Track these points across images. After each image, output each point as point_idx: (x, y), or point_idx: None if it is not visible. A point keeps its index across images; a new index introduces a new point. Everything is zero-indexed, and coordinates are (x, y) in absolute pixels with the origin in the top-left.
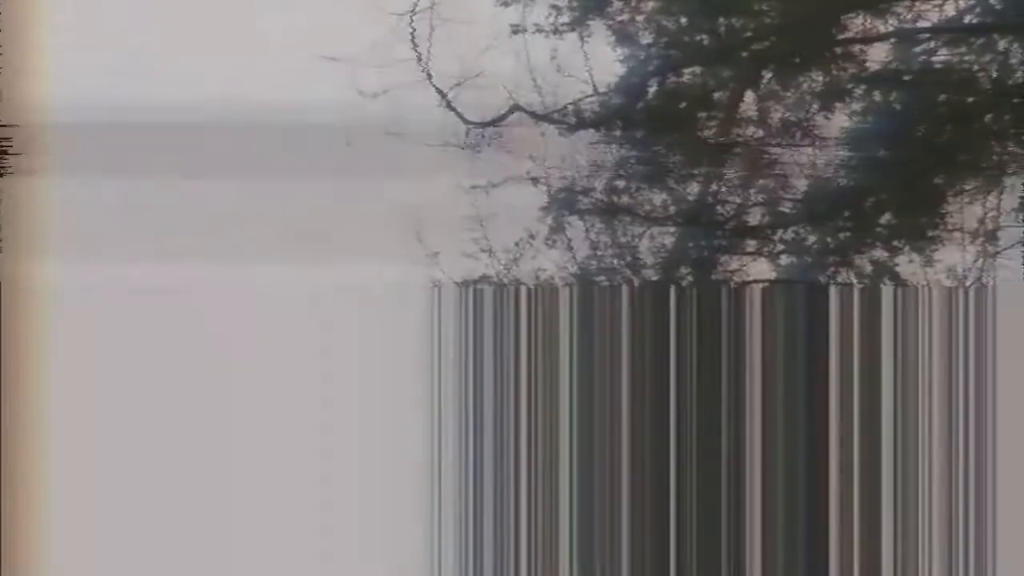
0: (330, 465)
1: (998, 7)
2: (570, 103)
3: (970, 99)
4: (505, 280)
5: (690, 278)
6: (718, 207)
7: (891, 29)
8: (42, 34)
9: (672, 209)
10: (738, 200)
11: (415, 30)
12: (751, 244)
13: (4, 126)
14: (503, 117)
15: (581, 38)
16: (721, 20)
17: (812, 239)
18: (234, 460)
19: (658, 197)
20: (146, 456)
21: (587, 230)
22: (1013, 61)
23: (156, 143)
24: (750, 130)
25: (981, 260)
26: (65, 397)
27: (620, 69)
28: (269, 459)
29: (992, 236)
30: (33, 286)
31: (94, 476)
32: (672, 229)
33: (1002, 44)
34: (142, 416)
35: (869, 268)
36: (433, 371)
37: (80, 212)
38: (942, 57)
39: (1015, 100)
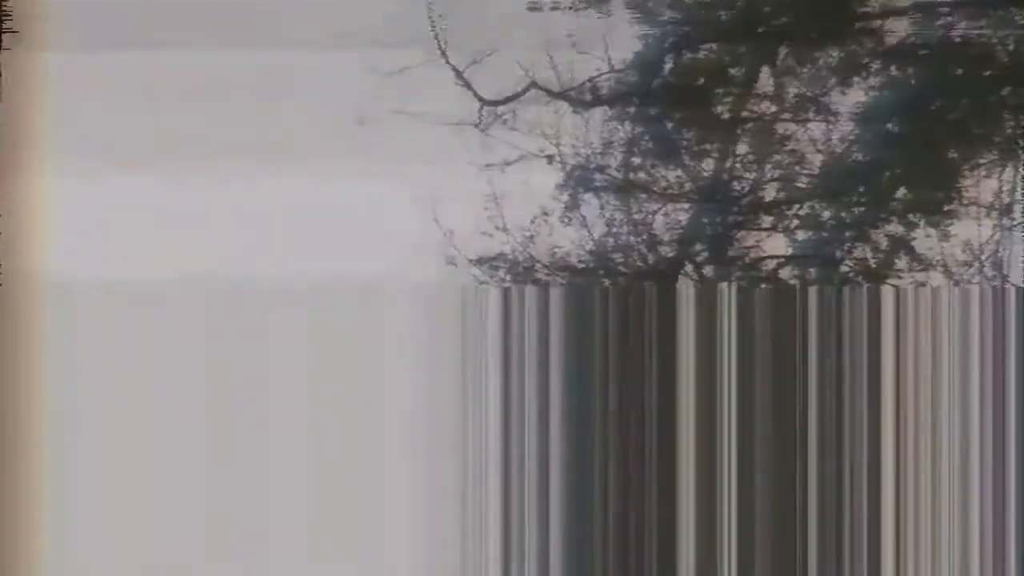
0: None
1: None
2: (587, 80)
3: (987, 72)
4: (520, 258)
5: (705, 255)
6: (733, 183)
7: (910, 3)
8: None
9: (687, 186)
10: (753, 176)
11: (431, 7)
12: (766, 220)
13: None
14: (519, 95)
15: (598, 15)
16: None
17: (827, 214)
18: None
19: (673, 174)
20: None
21: (602, 207)
22: None
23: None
24: (765, 105)
25: (997, 234)
26: None
27: (637, 46)
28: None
29: (1008, 210)
30: None
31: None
32: (687, 206)
33: (1020, 17)
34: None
35: (885, 243)
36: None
37: None
38: (960, 31)
39: None
